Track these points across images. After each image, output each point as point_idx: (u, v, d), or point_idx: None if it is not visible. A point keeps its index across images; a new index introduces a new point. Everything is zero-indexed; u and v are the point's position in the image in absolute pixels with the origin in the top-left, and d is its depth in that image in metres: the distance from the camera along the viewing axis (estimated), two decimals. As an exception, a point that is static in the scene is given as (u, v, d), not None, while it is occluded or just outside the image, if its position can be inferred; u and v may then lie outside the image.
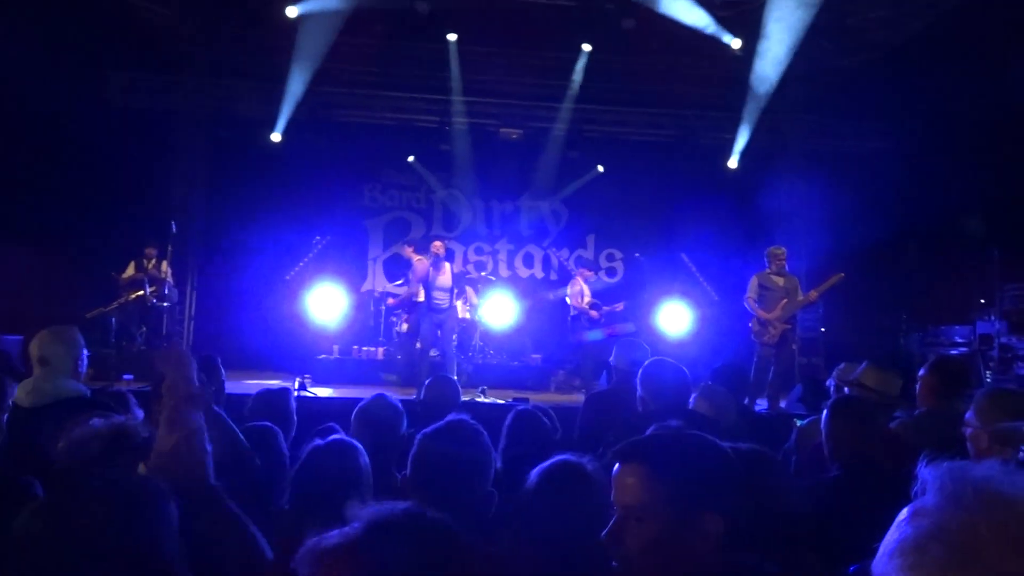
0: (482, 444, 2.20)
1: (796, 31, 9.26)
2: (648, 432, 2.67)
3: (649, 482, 1.44)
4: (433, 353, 8.68)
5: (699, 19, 9.35)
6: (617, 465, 1.51)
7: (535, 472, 2.11)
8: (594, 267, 11.22)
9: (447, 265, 8.70)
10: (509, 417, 3.59)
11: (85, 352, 3.56)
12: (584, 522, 1.85)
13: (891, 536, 0.88)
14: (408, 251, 9.69)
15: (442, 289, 8.58)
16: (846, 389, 4.22)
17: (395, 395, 3.33)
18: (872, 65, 10.37)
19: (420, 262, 8.77)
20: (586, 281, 9.97)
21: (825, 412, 2.81)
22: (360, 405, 3.22)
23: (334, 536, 1.14)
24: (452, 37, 10.02)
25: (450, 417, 2.23)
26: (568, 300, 9.96)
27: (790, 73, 10.08)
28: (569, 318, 9.95)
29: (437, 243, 8.73)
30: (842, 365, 4.64)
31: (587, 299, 9.83)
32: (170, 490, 1.67)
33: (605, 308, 9.88)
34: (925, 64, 9.22)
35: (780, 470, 1.89)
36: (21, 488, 2.35)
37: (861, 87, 10.66)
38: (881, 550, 0.88)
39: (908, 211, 10.20)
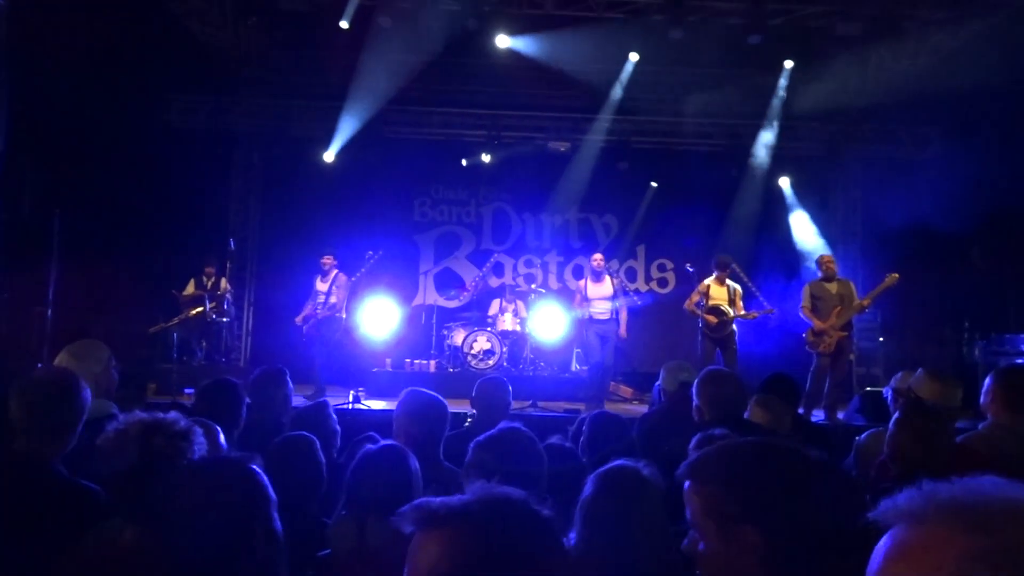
0: (535, 452, 2.21)
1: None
2: (703, 445, 2.65)
3: (693, 497, 1.46)
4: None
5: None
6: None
7: (592, 477, 2.11)
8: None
9: (608, 277, 8.97)
10: (589, 417, 3.61)
11: (111, 366, 3.50)
12: (642, 525, 1.86)
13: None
14: (327, 261, 9.07)
15: (604, 299, 8.77)
16: (900, 400, 4.09)
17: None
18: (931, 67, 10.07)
19: (341, 275, 8.96)
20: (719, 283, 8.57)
21: (893, 419, 2.73)
22: (401, 401, 3.24)
23: (445, 500, 1.15)
24: (504, 43, 9.88)
25: (502, 425, 2.24)
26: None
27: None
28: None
29: (597, 256, 8.95)
30: (899, 374, 4.50)
31: (709, 302, 8.47)
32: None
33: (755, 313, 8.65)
34: (984, 62, 8.91)
35: (842, 480, 1.84)
36: (91, 495, 2.43)
37: (916, 89, 10.37)
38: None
39: (971, 210, 9.82)
